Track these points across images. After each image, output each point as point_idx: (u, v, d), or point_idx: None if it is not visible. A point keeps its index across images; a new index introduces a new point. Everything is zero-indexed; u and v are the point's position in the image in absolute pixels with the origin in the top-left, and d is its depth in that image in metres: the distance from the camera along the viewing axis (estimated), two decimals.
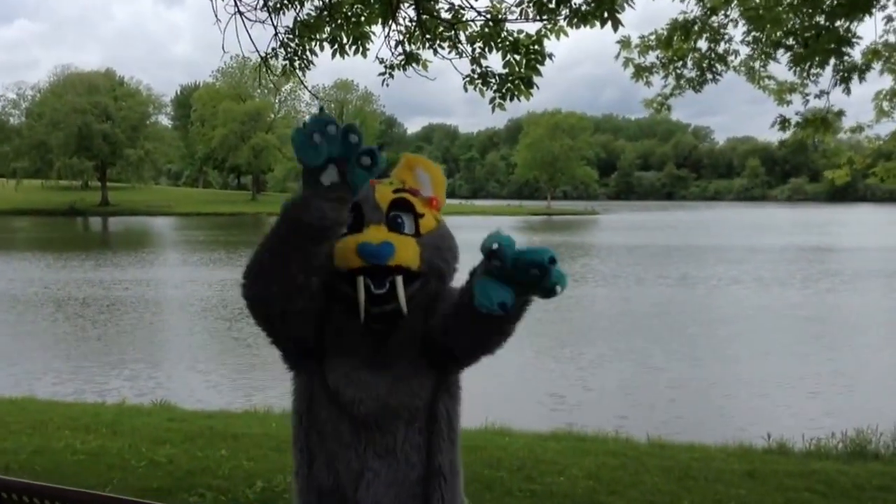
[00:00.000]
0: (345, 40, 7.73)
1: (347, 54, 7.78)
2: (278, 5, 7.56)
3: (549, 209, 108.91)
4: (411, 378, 2.53)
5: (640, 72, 9.85)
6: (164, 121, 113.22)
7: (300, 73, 8.07)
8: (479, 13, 7.44)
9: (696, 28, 9.06)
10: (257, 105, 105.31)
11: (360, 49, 7.78)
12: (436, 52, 7.60)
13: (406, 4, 7.56)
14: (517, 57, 7.36)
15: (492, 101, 7.51)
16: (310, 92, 10.57)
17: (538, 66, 7.32)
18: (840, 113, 9.64)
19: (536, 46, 7.29)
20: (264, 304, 2.53)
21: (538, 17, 7.17)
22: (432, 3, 7.52)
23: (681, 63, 9.60)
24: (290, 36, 7.78)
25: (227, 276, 32.23)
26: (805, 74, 9.06)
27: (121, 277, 31.60)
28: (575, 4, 6.80)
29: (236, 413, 11.36)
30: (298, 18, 7.69)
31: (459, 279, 2.61)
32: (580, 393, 14.38)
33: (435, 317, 2.52)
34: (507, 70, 7.42)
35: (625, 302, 26.51)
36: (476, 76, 7.54)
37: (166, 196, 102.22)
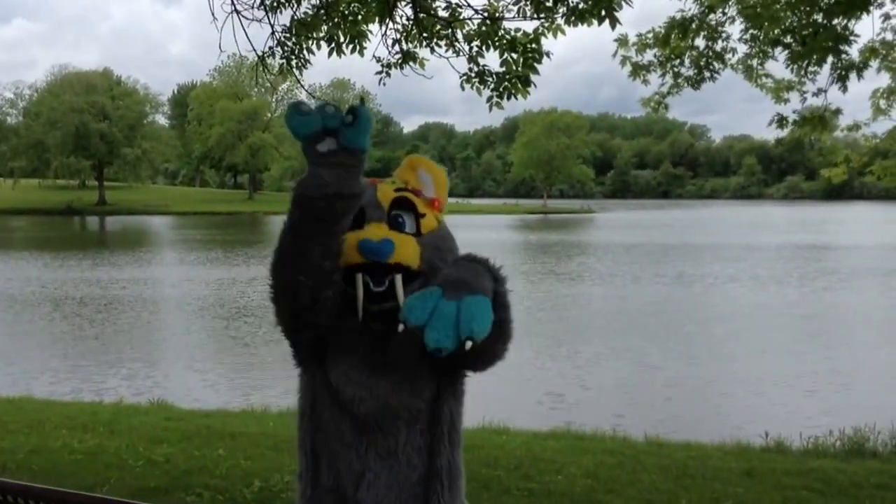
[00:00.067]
0: (342, 39, 7.72)
1: (344, 53, 7.77)
2: (275, 4, 7.55)
3: (546, 208, 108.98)
4: (413, 379, 2.51)
5: (638, 70, 9.84)
6: (161, 120, 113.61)
7: (297, 72, 8.07)
8: (476, 11, 7.43)
9: (693, 26, 9.05)
10: (254, 104, 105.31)
11: (357, 48, 7.77)
12: (433, 50, 7.60)
13: (403, 3, 7.56)
14: (514, 55, 7.35)
15: (489, 99, 7.50)
16: (306, 91, 10.57)
17: (535, 64, 7.31)
18: (837, 111, 9.65)
19: (534, 45, 7.28)
20: (292, 294, 2.47)
21: (535, 16, 7.17)
22: (429, 1, 7.51)
23: (678, 61, 9.60)
24: (287, 35, 7.76)
25: (224, 274, 32.28)
26: (802, 72, 9.07)
27: (118, 276, 31.59)
28: (572, 2, 6.79)
29: (234, 412, 11.36)
30: (295, 17, 7.67)
31: None
32: (577, 392, 14.40)
33: None
34: (504, 69, 7.41)
35: (621, 300, 26.51)
36: (473, 75, 7.53)
37: (163, 195, 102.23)
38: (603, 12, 6.42)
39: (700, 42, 9.38)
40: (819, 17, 8.18)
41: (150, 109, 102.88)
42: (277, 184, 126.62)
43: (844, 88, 8.82)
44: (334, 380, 2.53)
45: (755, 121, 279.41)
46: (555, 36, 7.19)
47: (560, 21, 7.01)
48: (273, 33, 7.72)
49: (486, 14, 7.45)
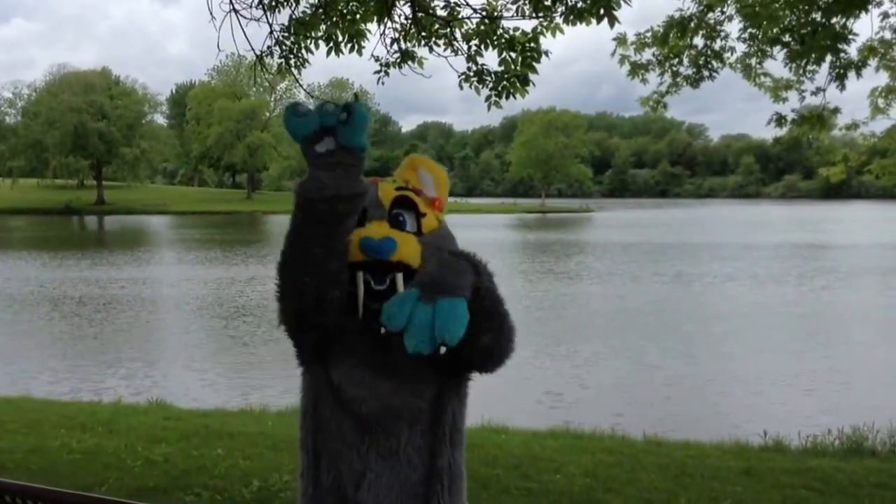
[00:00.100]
0: (340, 38, 7.72)
1: (343, 52, 7.77)
2: (273, 3, 7.54)
3: (544, 207, 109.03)
4: (415, 379, 2.51)
5: (636, 69, 9.84)
6: (160, 119, 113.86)
7: (295, 72, 8.06)
8: (474, 10, 7.43)
9: (692, 25, 9.05)
10: (252, 103, 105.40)
11: (356, 47, 7.77)
12: (431, 49, 7.59)
13: (401, 2, 7.56)
14: (513, 54, 7.34)
15: (487, 98, 7.49)
16: (305, 90, 10.58)
17: (534, 63, 7.31)
18: (836, 110, 9.64)
19: (532, 44, 7.27)
20: (298, 294, 2.46)
21: (534, 15, 7.17)
22: (428, 0, 7.51)
23: (677, 60, 9.59)
24: (286, 34, 7.76)
25: (222, 274, 32.27)
26: (801, 71, 9.06)
27: (117, 276, 31.58)
28: (571, 1, 6.78)
29: (232, 411, 11.35)
30: (294, 16, 7.67)
31: None
32: (576, 391, 14.40)
33: None
34: (502, 68, 7.41)
35: (620, 299, 26.51)
36: (472, 74, 7.53)
37: (162, 195, 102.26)
38: (602, 11, 6.41)
39: (699, 41, 9.38)
40: (818, 16, 8.17)
41: (148, 109, 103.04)
42: (276, 183, 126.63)
43: (842, 87, 8.82)
44: (336, 379, 2.53)
45: (753, 120, 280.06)
46: (553, 35, 7.19)
47: (559, 20, 7.00)
48: (271, 32, 7.71)
49: (484, 13, 7.45)
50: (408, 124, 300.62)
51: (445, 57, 7.52)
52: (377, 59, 7.87)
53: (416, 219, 2.57)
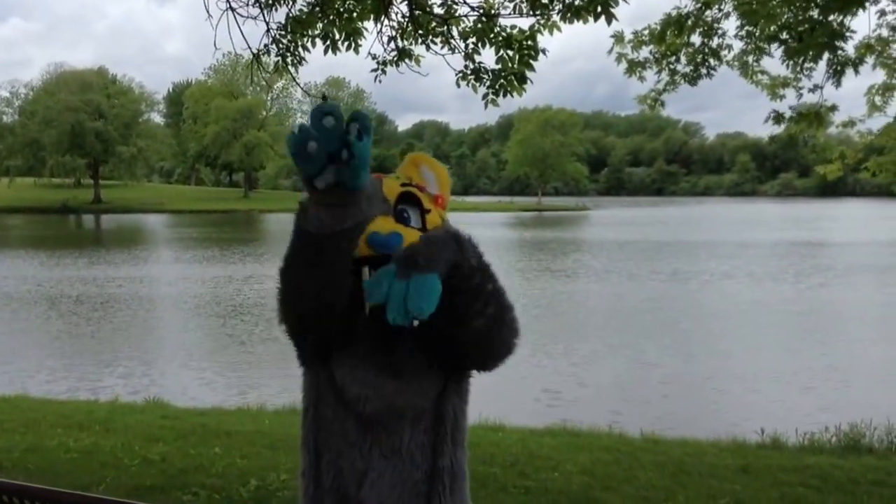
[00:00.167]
0: (337, 36, 7.70)
1: (340, 50, 7.75)
2: (270, 1, 7.54)
3: (540, 205, 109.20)
4: (419, 378, 2.50)
5: (633, 67, 9.83)
6: (157, 118, 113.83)
7: (292, 70, 8.04)
8: (472, 8, 7.42)
9: (689, 23, 9.04)
10: (249, 102, 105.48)
11: (353, 45, 7.75)
12: (428, 47, 7.58)
13: (398, 0, 7.55)
14: (510, 52, 7.33)
15: (484, 96, 7.47)
16: (302, 89, 10.53)
17: (531, 61, 7.30)
18: (833, 107, 9.64)
19: (529, 42, 7.26)
20: (300, 301, 2.47)
21: (531, 13, 7.16)
22: None
23: (674, 58, 9.59)
24: (283, 32, 7.75)
25: (220, 273, 32.27)
26: (798, 69, 9.06)
27: (114, 275, 31.57)
28: None
29: (229, 410, 11.34)
30: (290, 14, 7.66)
31: None
32: (574, 389, 14.40)
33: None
34: (500, 66, 7.40)
35: (617, 297, 26.51)
36: (469, 72, 7.51)
37: (159, 193, 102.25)
38: (599, 9, 6.40)
39: (696, 39, 9.37)
40: (815, 14, 8.18)
41: (145, 108, 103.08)
42: (273, 182, 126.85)
43: (838, 84, 8.82)
44: (339, 378, 2.51)
45: (749, 118, 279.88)
46: (551, 33, 7.17)
47: (556, 18, 6.99)
48: (268, 31, 7.70)
49: (481, 11, 7.43)
50: (404, 123, 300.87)
51: (443, 55, 7.51)
52: (374, 58, 7.85)
53: (421, 215, 2.56)
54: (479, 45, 7.44)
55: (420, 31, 7.50)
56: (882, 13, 9.46)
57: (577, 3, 6.64)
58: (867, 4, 8.08)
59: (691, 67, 9.52)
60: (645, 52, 9.74)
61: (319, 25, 7.71)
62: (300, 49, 7.87)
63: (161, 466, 7.33)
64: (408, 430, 2.52)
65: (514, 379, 13.78)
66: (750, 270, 33.53)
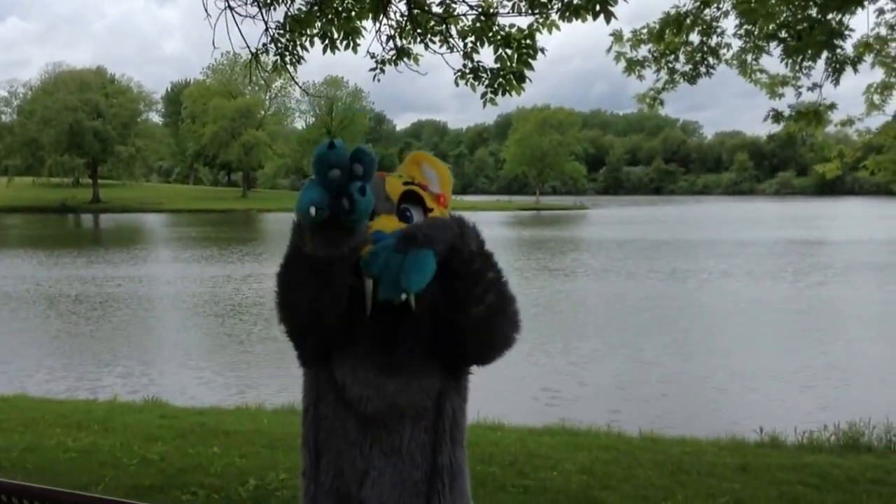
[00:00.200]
0: (335, 35, 7.69)
1: (338, 49, 7.74)
2: (269, 0, 7.53)
3: (538, 204, 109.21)
4: (420, 377, 2.49)
5: (632, 66, 9.82)
6: (155, 118, 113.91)
7: (291, 69, 8.03)
8: (470, 7, 7.41)
9: (688, 21, 9.04)
10: (248, 102, 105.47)
11: (351, 44, 7.74)
12: (427, 46, 7.57)
13: None
14: (509, 51, 7.32)
15: (483, 95, 7.47)
16: (300, 88, 10.53)
17: (530, 60, 7.29)
18: (832, 105, 9.64)
19: (528, 41, 7.26)
20: (301, 331, 2.50)
21: (530, 11, 7.15)
22: None
23: (673, 57, 9.58)
24: (281, 31, 7.74)
25: (218, 272, 32.26)
26: (797, 67, 9.06)
27: (113, 274, 31.57)
28: None
29: (228, 409, 11.34)
30: (289, 13, 7.65)
31: None
32: (572, 388, 14.40)
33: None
34: (498, 64, 7.40)
35: (616, 296, 26.49)
36: (468, 71, 7.51)
37: (157, 193, 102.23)
38: (598, 7, 6.39)
39: (695, 37, 9.36)
40: (814, 12, 8.17)
41: (143, 107, 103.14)
42: (271, 181, 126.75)
43: (837, 82, 8.81)
44: (340, 378, 2.50)
45: (748, 116, 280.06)
46: (549, 31, 7.16)
47: (555, 16, 6.98)
48: (267, 30, 7.69)
49: (480, 9, 7.42)
50: (402, 122, 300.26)
51: (441, 54, 7.50)
52: (373, 56, 7.85)
53: (423, 214, 2.56)
54: (478, 43, 7.44)
55: (419, 30, 7.50)
56: (880, 12, 9.46)
57: (575, 1, 6.63)
58: (865, 3, 8.09)
59: (690, 66, 9.51)
60: (644, 51, 9.73)
61: (318, 24, 7.70)
62: (299, 48, 7.86)
63: (160, 466, 7.32)
64: (408, 428, 2.52)
65: (513, 378, 13.79)
66: (749, 269, 33.56)
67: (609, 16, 6.43)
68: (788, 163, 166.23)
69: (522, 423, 10.48)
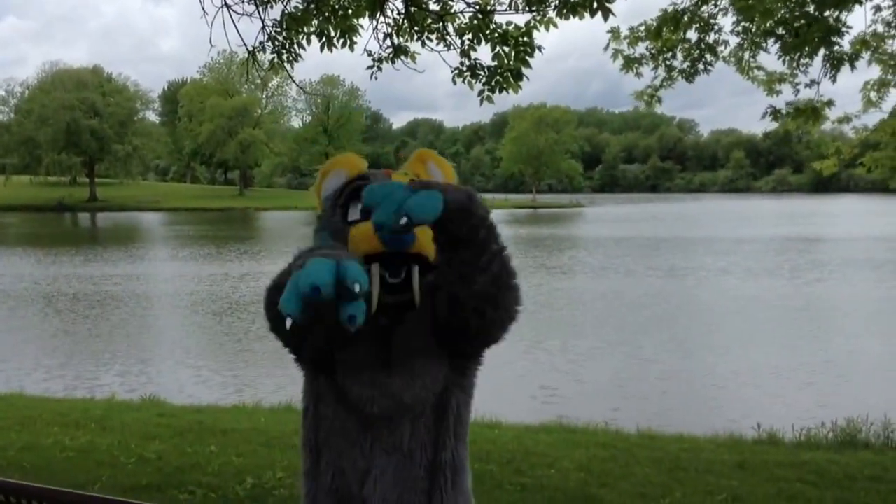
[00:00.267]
0: (332, 33, 7.68)
1: (335, 47, 7.73)
2: None
3: (535, 202, 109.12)
4: (423, 374, 2.48)
5: (630, 63, 9.81)
6: (152, 116, 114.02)
7: (288, 67, 8.02)
8: (468, 5, 7.40)
9: (685, 19, 9.03)
10: (244, 100, 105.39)
11: (348, 42, 7.73)
12: (424, 44, 7.56)
13: None
14: (506, 49, 7.32)
15: (480, 93, 7.46)
16: (297, 86, 10.51)
17: (527, 58, 7.29)
18: (829, 102, 9.64)
19: (526, 38, 7.25)
20: (293, 349, 2.50)
21: (527, 8, 7.14)
22: None
23: (670, 54, 9.57)
24: (278, 29, 7.73)
25: (216, 270, 32.25)
26: (795, 64, 9.06)
27: (111, 273, 31.54)
28: None
29: (225, 408, 11.34)
30: (286, 11, 7.64)
31: None
32: (570, 385, 14.39)
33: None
34: (496, 62, 7.39)
35: (614, 294, 26.48)
36: (465, 69, 7.50)
37: (154, 191, 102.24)
38: (595, 4, 6.37)
39: (692, 35, 9.36)
40: (811, 9, 8.17)
41: (140, 106, 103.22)
42: (268, 180, 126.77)
43: (834, 79, 8.81)
44: (341, 378, 2.49)
45: (744, 114, 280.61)
46: (547, 29, 7.15)
47: (552, 14, 6.97)
48: (263, 28, 7.69)
49: (477, 7, 7.42)
50: (398, 121, 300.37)
51: (438, 52, 7.49)
52: (370, 54, 7.83)
53: None
54: (475, 41, 7.43)
55: (416, 28, 7.49)
56: (877, 9, 9.48)
57: None
58: (862, 0, 8.09)
59: (688, 63, 9.51)
60: (641, 48, 9.73)
61: (315, 22, 7.69)
62: (295, 46, 7.85)
63: (157, 465, 7.32)
64: (409, 426, 2.51)
65: (511, 376, 13.77)
66: (746, 266, 33.58)
67: (607, 13, 6.42)
68: (784, 160, 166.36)
69: (520, 420, 10.46)
